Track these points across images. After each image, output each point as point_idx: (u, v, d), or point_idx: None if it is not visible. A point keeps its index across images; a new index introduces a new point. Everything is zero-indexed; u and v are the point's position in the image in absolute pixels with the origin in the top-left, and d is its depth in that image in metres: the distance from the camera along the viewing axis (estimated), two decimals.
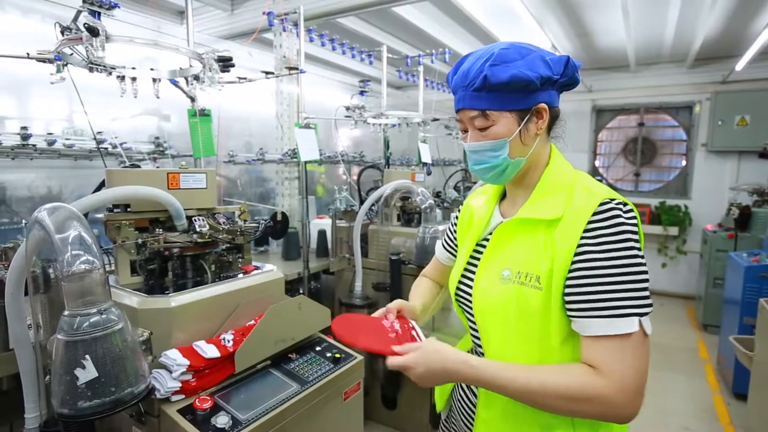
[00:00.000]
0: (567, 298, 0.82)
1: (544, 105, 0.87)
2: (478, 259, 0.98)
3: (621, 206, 0.81)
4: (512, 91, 0.84)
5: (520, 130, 0.87)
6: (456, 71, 0.91)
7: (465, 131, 0.93)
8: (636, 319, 0.76)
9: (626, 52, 5.04)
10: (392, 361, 0.87)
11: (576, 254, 0.81)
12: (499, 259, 0.92)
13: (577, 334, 0.83)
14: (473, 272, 0.98)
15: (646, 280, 0.79)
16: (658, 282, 5.95)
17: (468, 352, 1.06)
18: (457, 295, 1.04)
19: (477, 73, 0.84)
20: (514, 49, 0.86)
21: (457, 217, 1.18)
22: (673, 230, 5.77)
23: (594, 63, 5.76)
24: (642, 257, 0.79)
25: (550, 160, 0.94)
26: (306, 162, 2.62)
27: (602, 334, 0.78)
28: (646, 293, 0.78)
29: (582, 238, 0.81)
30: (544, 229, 0.86)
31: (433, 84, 4.82)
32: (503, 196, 1.05)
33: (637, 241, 0.79)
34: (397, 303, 1.09)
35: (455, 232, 1.18)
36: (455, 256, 1.17)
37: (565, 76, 0.89)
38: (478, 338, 0.99)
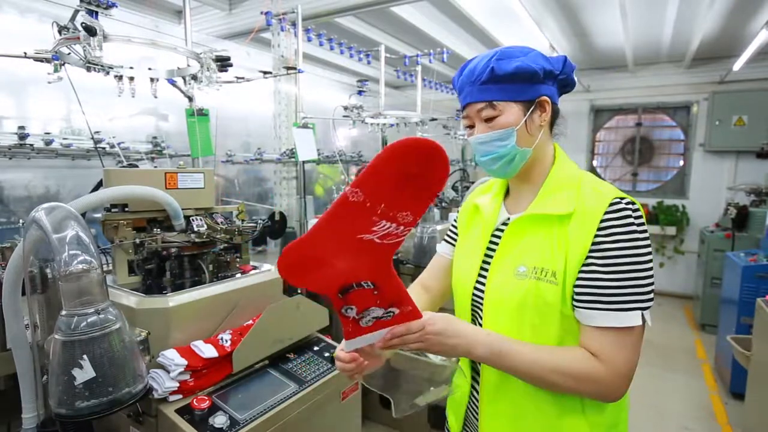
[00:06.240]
0: (577, 290, 0.85)
1: (546, 98, 0.93)
2: (490, 256, 0.99)
3: (630, 205, 0.86)
4: (518, 81, 0.90)
5: (525, 120, 0.91)
6: (462, 72, 0.96)
7: (471, 127, 0.96)
8: (639, 313, 0.81)
9: (624, 52, 5.05)
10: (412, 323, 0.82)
11: (591, 249, 0.84)
12: (513, 256, 0.93)
13: None
14: (486, 269, 0.99)
15: (652, 275, 0.84)
16: (656, 282, 5.87)
17: None
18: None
19: (484, 68, 0.90)
20: (517, 48, 0.93)
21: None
22: (671, 230, 5.78)
23: (592, 63, 5.77)
24: (650, 253, 0.85)
25: (556, 158, 0.98)
26: (304, 162, 2.62)
27: (607, 326, 0.82)
28: (651, 287, 0.84)
29: (596, 235, 0.84)
30: (557, 224, 0.89)
31: (431, 84, 4.82)
32: (506, 194, 1.07)
33: (646, 238, 0.85)
34: None
35: (457, 228, 1.18)
36: None
37: (564, 74, 0.94)
38: None
